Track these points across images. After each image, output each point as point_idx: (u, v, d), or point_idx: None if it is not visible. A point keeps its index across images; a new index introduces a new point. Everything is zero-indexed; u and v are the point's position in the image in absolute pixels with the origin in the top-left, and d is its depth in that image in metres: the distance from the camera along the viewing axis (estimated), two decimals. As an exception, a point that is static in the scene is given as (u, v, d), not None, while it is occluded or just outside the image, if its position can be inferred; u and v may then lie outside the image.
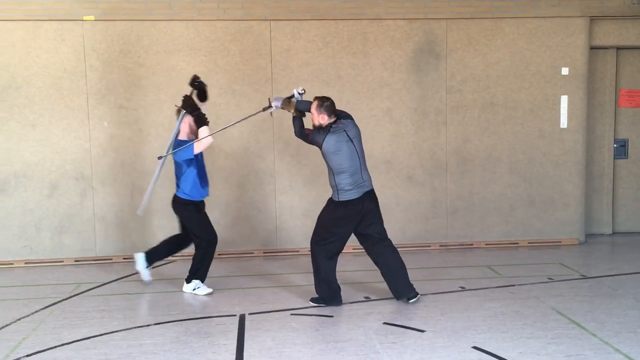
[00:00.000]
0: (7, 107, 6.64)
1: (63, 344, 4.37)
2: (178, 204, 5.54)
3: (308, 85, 6.93)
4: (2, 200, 6.70)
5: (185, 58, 6.81)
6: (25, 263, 6.79)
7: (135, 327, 4.70)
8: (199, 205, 5.59)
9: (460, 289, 5.58)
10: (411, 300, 5.15)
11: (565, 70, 7.21)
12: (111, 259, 6.87)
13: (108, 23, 6.70)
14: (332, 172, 5.06)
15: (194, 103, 5.50)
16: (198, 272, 5.60)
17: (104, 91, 6.73)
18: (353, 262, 6.75)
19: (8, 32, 6.59)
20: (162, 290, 5.77)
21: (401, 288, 5.19)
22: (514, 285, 5.64)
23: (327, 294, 5.17)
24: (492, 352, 4.09)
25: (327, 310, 5.02)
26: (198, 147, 5.35)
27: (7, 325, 4.80)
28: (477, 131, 7.20)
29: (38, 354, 4.20)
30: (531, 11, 7.11)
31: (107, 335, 4.55)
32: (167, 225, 6.93)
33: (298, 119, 5.30)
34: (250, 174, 7.00)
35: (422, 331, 4.50)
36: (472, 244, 7.30)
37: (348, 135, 5.05)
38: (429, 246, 7.27)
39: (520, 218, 7.32)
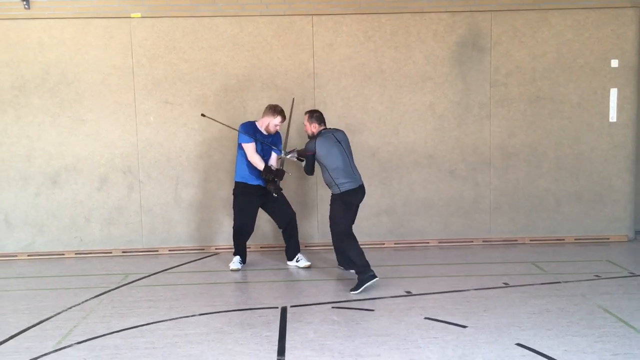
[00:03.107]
0: (58, 103, 6.87)
1: (112, 332, 4.52)
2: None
3: (350, 80, 6.97)
4: (54, 193, 6.94)
5: (229, 53, 6.90)
6: (76, 253, 7.02)
7: (180, 317, 4.81)
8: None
9: (504, 285, 5.50)
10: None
11: (615, 63, 7.00)
12: (157, 251, 7.03)
13: (154, 20, 6.84)
14: (327, 170, 5.65)
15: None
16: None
17: (150, 86, 6.89)
18: (394, 256, 6.74)
19: (59, 30, 6.81)
20: (206, 281, 5.88)
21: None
22: (559, 282, 5.54)
23: (369, 269, 5.41)
24: (536, 349, 4.03)
25: (367, 304, 5.03)
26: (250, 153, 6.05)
27: (58, 314, 4.98)
28: (523, 125, 7.07)
29: (88, 342, 4.35)
30: (579, 2, 6.92)
31: (154, 324, 4.68)
32: (212, 218, 7.06)
33: (305, 168, 5.92)
34: (292, 168, 7.04)
35: (465, 327, 4.46)
36: (516, 240, 7.18)
37: (336, 138, 5.72)
38: (472, 242, 7.18)
39: (566, 214, 7.17)
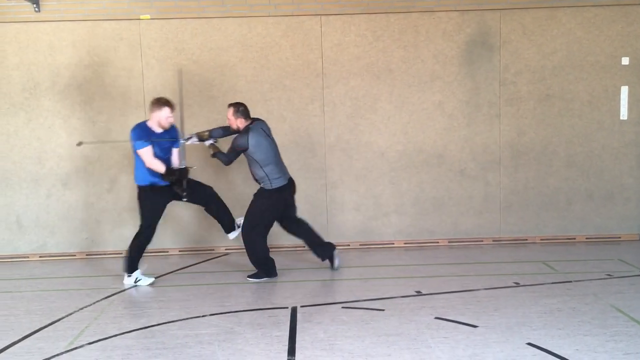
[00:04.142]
0: (69, 105, 6.92)
1: (123, 333, 4.54)
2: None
3: (359, 80, 6.96)
4: (64, 194, 6.99)
5: (237, 54, 6.92)
6: (87, 255, 7.06)
7: (191, 318, 4.83)
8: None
9: (514, 284, 5.48)
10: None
11: (625, 60, 6.95)
12: (167, 252, 7.06)
13: (163, 21, 6.87)
14: (258, 164, 5.64)
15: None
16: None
17: (160, 88, 6.91)
18: (403, 256, 6.73)
19: (68, 32, 6.85)
20: (216, 282, 5.90)
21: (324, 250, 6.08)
22: (570, 282, 5.51)
23: (267, 268, 5.85)
24: (547, 348, 4.01)
25: (377, 304, 5.03)
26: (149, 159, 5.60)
27: (70, 314, 5.01)
28: (532, 124, 7.04)
29: (100, 342, 4.37)
30: (589, -1, 6.90)
31: (165, 325, 4.70)
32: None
33: (219, 154, 5.79)
34: (301, 169, 7.06)
35: (475, 326, 4.45)
36: (526, 239, 7.15)
37: (265, 132, 5.71)
38: (482, 241, 7.16)
39: (577, 213, 7.13)
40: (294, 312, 4.91)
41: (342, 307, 4.99)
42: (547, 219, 7.14)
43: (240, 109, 5.70)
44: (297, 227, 6.08)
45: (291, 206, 6.01)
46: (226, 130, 5.92)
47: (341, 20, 6.91)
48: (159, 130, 5.69)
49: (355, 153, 7.05)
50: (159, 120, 5.66)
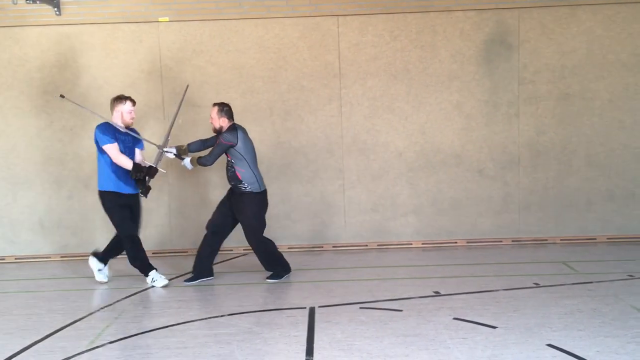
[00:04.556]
0: (89, 107, 6.98)
1: (143, 332, 4.59)
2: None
3: (376, 80, 6.95)
4: (86, 196, 7.08)
5: (255, 55, 6.95)
6: (107, 255, 7.14)
7: (210, 317, 4.86)
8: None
9: (534, 285, 5.44)
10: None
11: (647, 58, 6.86)
12: (187, 252, 7.12)
13: (181, 24, 6.93)
14: (247, 164, 5.62)
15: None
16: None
17: (178, 90, 6.97)
18: (421, 257, 6.71)
19: (89, 35, 6.94)
20: (234, 282, 5.93)
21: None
22: (591, 282, 5.45)
23: (282, 265, 5.88)
24: (567, 350, 3.97)
25: (395, 304, 5.02)
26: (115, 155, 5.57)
27: (92, 313, 5.08)
28: (552, 123, 6.97)
29: (120, 341, 4.42)
30: (609, -3, 6.82)
31: (184, 324, 4.74)
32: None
33: (201, 159, 5.70)
34: (319, 169, 7.07)
35: (494, 327, 4.42)
36: (546, 240, 7.09)
37: (245, 133, 5.72)
38: (501, 241, 7.11)
39: (598, 213, 7.04)
40: (311, 312, 4.92)
41: (360, 308, 4.99)
42: (567, 219, 7.07)
43: (224, 108, 5.69)
44: (221, 240, 5.95)
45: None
46: (204, 143, 5.93)
47: (358, 20, 6.91)
48: (122, 128, 5.67)
49: (372, 153, 7.05)
50: (122, 114, 5.64)
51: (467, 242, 7.14)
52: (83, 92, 6.98)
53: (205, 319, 4.84)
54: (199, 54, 6.97)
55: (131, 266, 5.89)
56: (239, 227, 5.92)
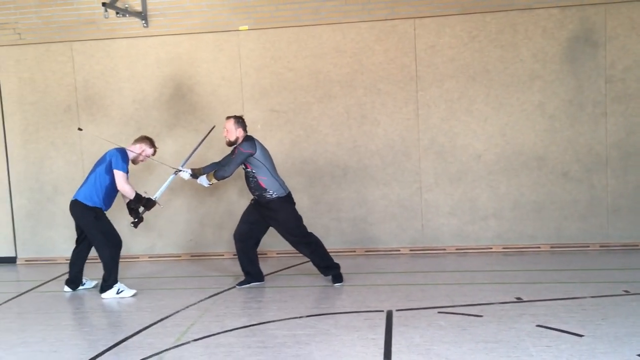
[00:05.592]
0: (173, 114, 7.32)
1: (225, 331, 4.74)
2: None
3: (453, 82, 6.86)
4: (171, 199, 7.39)
5: (332, 60, 7.03)
6: (191, 256, 7.43)
7: (289, 318, 4.96)
8: None
9: (624, 292, 5.18)
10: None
11: None
12: (266, 254, 7.26)
13: (260, 31, 7.11)
14: (268, 171, 5.67)
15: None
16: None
17: (257, 96, 7.16)
18: (503, 262, 6.54)
19: (174, 46, 7.25)
20: (312, 284, 6.01)
21: None
22: (688, 291, 5.13)
23: (334, 262, 5.90)
24: (661, 362, 3.77)
25: (475, 309, 4.93)
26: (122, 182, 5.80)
27: (177, 312, 5.30)
28: (643, 122, 6.63)
29: (204, 339, 4.59)
30: None
31: (264, 324, 4.86)
32: (317, 223, 7.20)
33: (218, 172, 5.75)
34: (396, 172, 7.05)
35: (580, 336, 4.25)
36: (637, 245, 6.73)
37: (259, 142, 5.77)
38: (588, 247, 6.81)
39: (695, 217, 6.62)
40: (389, 315, 4.91)
41: (439, 312, 4.93)
42: (661, 224, 6.68)
43: (240, 120, 5.77)
44: (253, 246, 6.01)
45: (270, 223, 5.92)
46: (218, 165, 6.01)
47: (435, 22, 6.84)
48: (130, 162, 5.96)
49: (449, 156, 6.95)
50: (141, 154, 5.98)
51: (551, 247, 6.89)
52: (168, 100, 7.30)
53: (284, 319, 4.94)
54: (277, 60, 7.12)
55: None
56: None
